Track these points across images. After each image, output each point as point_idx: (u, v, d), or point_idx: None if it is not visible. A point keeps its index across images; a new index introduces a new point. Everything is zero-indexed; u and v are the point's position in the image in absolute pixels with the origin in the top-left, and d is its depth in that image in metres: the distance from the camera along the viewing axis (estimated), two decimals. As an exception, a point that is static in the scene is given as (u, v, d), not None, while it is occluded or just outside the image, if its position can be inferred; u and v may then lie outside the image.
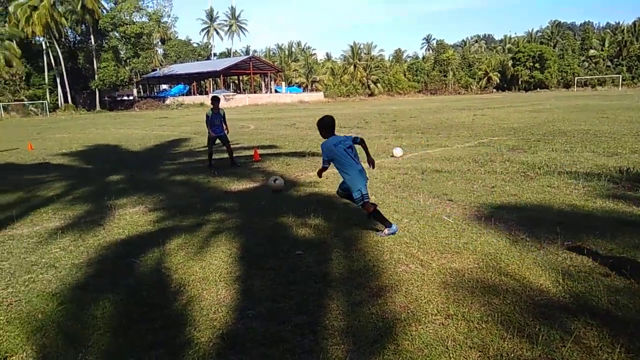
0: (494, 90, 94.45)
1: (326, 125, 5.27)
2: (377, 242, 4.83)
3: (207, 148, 10.84)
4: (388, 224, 5.05)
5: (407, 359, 2.78)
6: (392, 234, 5.00)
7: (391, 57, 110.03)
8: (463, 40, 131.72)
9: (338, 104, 58.06)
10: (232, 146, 11.25)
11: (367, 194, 5.16)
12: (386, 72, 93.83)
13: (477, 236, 4.90)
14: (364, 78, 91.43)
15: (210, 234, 5.45)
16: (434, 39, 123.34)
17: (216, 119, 10.71)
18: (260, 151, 12.08)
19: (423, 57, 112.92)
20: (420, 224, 5.42)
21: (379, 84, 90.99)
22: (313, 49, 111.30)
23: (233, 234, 5.39)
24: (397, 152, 10.84)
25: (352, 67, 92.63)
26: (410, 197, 6.76)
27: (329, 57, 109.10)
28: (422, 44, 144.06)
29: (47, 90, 56.31)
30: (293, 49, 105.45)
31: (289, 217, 5.97)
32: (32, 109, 53.05)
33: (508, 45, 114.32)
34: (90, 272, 4.34)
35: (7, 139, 21.04)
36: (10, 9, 52.17)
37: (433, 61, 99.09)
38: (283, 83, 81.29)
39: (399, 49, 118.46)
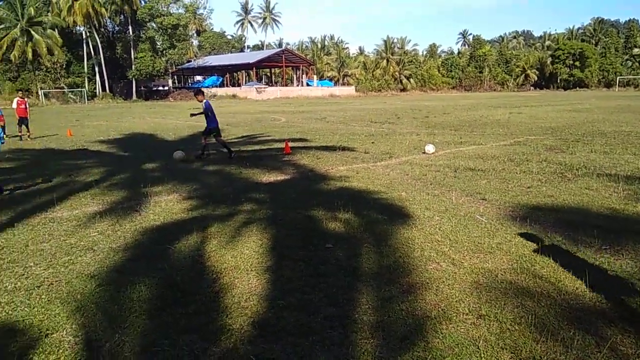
0: (531, 88, 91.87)
1: None
2: (408, 239, 4.80)
3: (222, 139, 11.21)
4: None
5: (438, 357, 2.76)
6: None
7: (425, 52, 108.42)
8: (500, 36, 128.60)
9: (369, 99, 57.73)
10: (264, 139, 11.39)
11: None
12: (419, 67, 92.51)
13: (511, 237, 4.80)
14: (397, 73, 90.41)
15: (242, 223, 5.53)
16: (470, 34, 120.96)
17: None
18: (291, 144, 12.14)
19: (458, 53, 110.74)
20: (452, 222, 5.35)
21: (411, 79, 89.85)
22: (346, 43, 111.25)
23: (264, 224, 5.46)
24: (430, 148, 10.71)
25: (385, 61, 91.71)
26: (442, 195, 6.68)
27: (361, 51, 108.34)
28: (458, 39, 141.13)
29: (86, 79, 58.05)
30: (326, 43, 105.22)
31: (319, 210, 6.00)
32: (72, 96, 54.83)
33: (547, 42, 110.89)
34: (126, 256, 4.48)
35: (47, 125, 21.83)
36: (53, -2, 53.93)
37: (469, 57, 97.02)
38: (315, 76, 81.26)
39: (434, 43, 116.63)
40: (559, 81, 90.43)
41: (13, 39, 50.06)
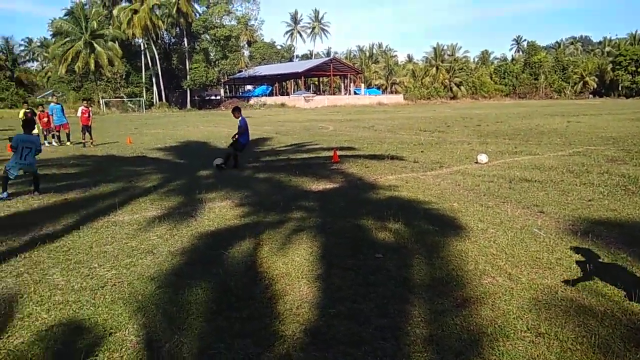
0: (590, 95, 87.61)
1: None
2: (461, 252, 4.70)
3: (237, 153, 10.90)
4: None
5: (494, 374, 2.69)
6: None
7: (476, 59, 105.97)
8: (557, 42, 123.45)
9: (418, 107, 57.03)
10: (312, 147, 11.49)
11: None
12: (471, 74, 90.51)
13: (572, 252, 4.60)
14: (447, 80, 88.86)
15: (292, 231, 5.61)
16: (524, 40, 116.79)
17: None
18: (339, 152, 12.19)
19: (512, 59, 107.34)
20: (508, 235, 5.19)
21: (462, 87, 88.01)
22: (394, 51, 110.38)
23: (314, 232, 5.51)
24: (482, 158, 10.44)
25: (434, 69, 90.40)
26: (497, 207, 6.48)
27: (410, 59, 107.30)
28: (512, 45, 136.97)
29: (144, 89, 60.90)
30: (374, 51, 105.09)
31: (369, 219, 5.98)
32: (130, 105, 57.66)
33: (607, 48, 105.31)
34: (184, 260, 4.66)
35: (108, 133, 23.04)
36: (115, 12, 57.13)
37: (523, 63, 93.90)
38: (362, 85, 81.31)
39: (486, 50, 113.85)
40: (620, 89, 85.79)
41: (77, 51, 53.39)
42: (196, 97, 67.01)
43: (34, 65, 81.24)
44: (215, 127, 26.74)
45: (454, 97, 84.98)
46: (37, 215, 6.62)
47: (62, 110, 17.77)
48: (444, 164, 10.48)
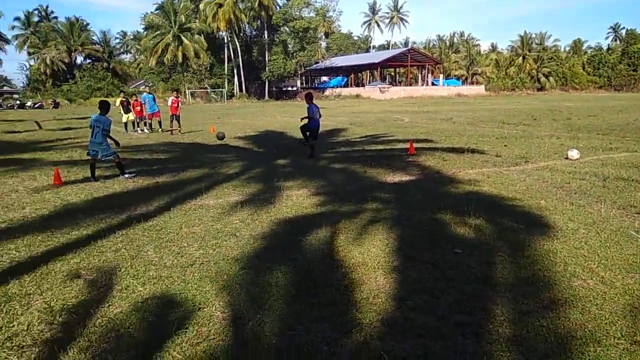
0: (700, 87, 78.28)
1: None
2: (549, 252, 4.45)
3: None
4: None
5: (584, 381, 2.54)
6: None
7: (568, 48, 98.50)
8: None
9: (501, 98, 54.27)
10: (387, 139, 11.38)
11: None
12: (561, 64, 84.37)
13: (676, 258, 4.19)
14: (534, 71, 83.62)
15: (368, 222, 5.62)
16: (622, 27, 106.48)
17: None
18: (415, 145, 11.96)
19: (608, 49, 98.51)
20: (601, 237, 4.83)
21: (550, 78, 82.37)
22: (477, 40, 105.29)
23: (389, 224, 5.48)
24: (573, 154, 9.74)
25: (521, 58, 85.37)
26: (589, 206, 6.05)
27: (494, 48, 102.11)
28: (608, 33, 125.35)
29: (226, 80, 63.48)
30: (455, 40, 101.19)
31: (447, 213, 5.84)
32: (213, 96, 60.40)
33: None
34: (264, 244, 4.85)
35: (194, 122, 24.33)
36: (201, 6, 59.82)
37: (620, 53, 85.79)
38: (441, 75, 78.81)
39: (579, 39, 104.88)
40: None
41: (167, 44, 56.75)
42: (274, 88, 68.70)
43: (127, 57, 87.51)
44: (291, 118, 27.29)
45: (541, 89, 79.83)
46: (132, 196, 7.19)
47: (154, 99, 18.96)
48: (530, 159, 9.92)
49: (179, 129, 18.11)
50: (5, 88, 75.60)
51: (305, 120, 11.41)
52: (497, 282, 3.82)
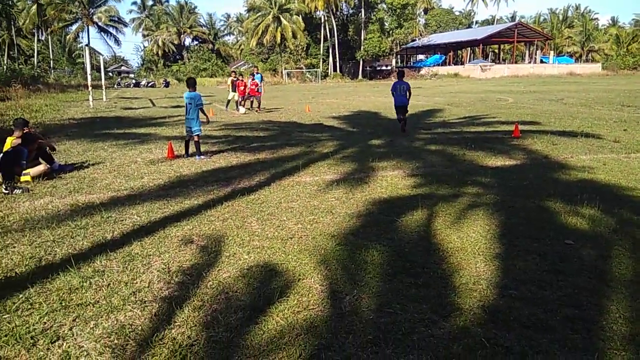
0: None
1: None
2: (676, 248, 3.99)
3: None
4: None
5: None
6: None
7: None
8: None
9: (620, 78, 48.75)
10: (489, 120, 10.81)
11: None
12: (698, 38, 73.59)
13: None
14: (662, 47, 73.82)
15: (467, 206, 5.44)
16: None
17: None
18: (520, 127, 11.22)
19: None
20: None
21: (683, 55, 72.21)
22: (595, 13, 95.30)
23: (491, 210, 5.25)
24: None
25: (647, 33, 75.72)
26: None
27: (614, 22, 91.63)
28: None
29: (321, 60, 64.10)
30: (569, 14, 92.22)
31: (556, 202, 5.45)
32: (308, 76, 61.39)
33: None
34: (359, 222, 4.91)
35: (290, 101, 25.01)
36: (300, -14, 60.60)
37: None
38: (551, 52, 72.41)
39: None
40: None
41: (267, 25, 58.48)
42: (368, 68, 68.05)
43: (230, 39, 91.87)
44: (385, 98, 26.88)
45: (670, 67, 70.34)
46: (236, 171, 7.63)
47: (261, 80, 19.62)
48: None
49: (256, 109, 18.71)
50: (122, 68, 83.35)
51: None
52: (613, 278, 3.51)
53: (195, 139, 8.71)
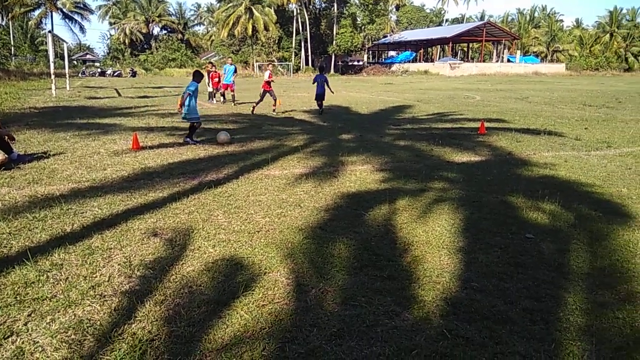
0: None
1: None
2: (629, 242, 4.17)
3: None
4: None
5: (664, 381, 2.39)
6: None
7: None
8: None
9: (582, 79, 50.49)
10: (456, 117, 10.96)
11: None
12: (654, 43, 76.76)
13: None
14: (621, 49, 76.75)
15: (433, 200, 5.52)
16: None
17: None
18: (486, 124, 11.47)
19: None
20: (692, 230, 4.44)
21: (640, 58, 75.34)
22: (560, 14, 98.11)
23: (456, 204, 5.35)
24: (663, 140, 8.94)
25: (608, 35, 78.53)
26: (679, 197, 5.56)
27: (578, 24, 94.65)
28: None
29: (293, 53, 63.75)
30: (536, 14, 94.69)
31: (518, 197, 5.60)
32: (280, 69, 60.91)
33: None
34: (327, 216, 4.91)
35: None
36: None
37: None
38: (518, 52, 74.25)
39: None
40: None
41: (238, 16, 57.65)
42: (340, 63, 68.12)
43: (200, 29, 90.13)
44: (356, 93, 27.02)
45: (628, 69, 73.24)
46: (203, 163, 7.51)
47: (234, 72, 19.07)
48: (613, 144, 9.23)
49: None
50: (88, 56, 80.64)
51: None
52: (571, 271, 3.63)
53: (197, 125, 9.39)
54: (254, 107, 15.47)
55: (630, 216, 4.90)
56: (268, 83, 15.02)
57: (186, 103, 8.97)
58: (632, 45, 76.48)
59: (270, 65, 18.38)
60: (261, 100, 15.51)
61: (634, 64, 74.93)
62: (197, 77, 9.21)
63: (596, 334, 2.77)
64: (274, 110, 15.48)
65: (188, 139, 9.21)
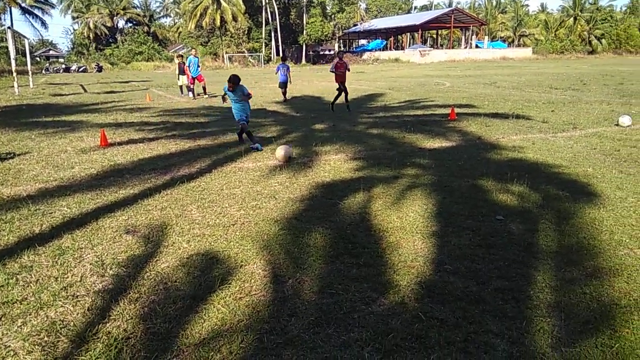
0: None
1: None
2: (594, 220, 4.32)
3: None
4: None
5: (627, 348, 2.50)
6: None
7: (625, 8, 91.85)
8: None
9: (549, 62, 51.64)
10: (427, 104, 11.07)
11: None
12: (615, 25, 79.01)
13: None
14: (585, 32, 78.75)
15: (406, 187, 5.59)
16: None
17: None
18: (456, 110, 11.64)
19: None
20: (652, 206, 4.63)
21: (603, 40, 77.45)
22: (525, 0, 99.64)
23: (429, 190, 5.43)
24: (625, 120, 9.25)
25: (572, 19, 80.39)
26: (639, 174, 5.78)
27: (543, 9, 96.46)
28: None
29: (263, 44, 63.05)
30: (502, 0, 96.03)
31: (488, 180, 5.72)
32: (251, 60, 60.27)
33: None
34: (303, 206, 4.92)
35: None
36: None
37: (685, 12, 79.49)
38: (486, 37, 75.31)
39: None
40: None
41: (205, 7, 56.57)
42: (311, 52, 67.77)
43: (167, 21, 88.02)
44: (328, 83, 26.95)
45: (592, 52, 75.35)
46: (175, 158, 7.40)
47: (198, 63, 18.74)
48: (578, 125, 9.51)
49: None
50: (51, 52, 77.97)
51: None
52: (540, 250, 3.75)
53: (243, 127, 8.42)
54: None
55: (595, 195, 5.07)
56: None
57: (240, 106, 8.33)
58: (595, 28, 78.52)
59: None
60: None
61: (597, 47, 77.02)
62: (231, 81, 8.04)
63: (565, 310, 2.87)
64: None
65: (251, 145, 8.04)
